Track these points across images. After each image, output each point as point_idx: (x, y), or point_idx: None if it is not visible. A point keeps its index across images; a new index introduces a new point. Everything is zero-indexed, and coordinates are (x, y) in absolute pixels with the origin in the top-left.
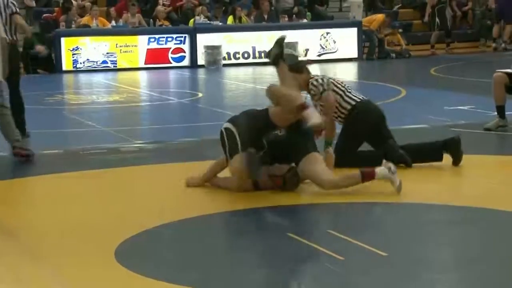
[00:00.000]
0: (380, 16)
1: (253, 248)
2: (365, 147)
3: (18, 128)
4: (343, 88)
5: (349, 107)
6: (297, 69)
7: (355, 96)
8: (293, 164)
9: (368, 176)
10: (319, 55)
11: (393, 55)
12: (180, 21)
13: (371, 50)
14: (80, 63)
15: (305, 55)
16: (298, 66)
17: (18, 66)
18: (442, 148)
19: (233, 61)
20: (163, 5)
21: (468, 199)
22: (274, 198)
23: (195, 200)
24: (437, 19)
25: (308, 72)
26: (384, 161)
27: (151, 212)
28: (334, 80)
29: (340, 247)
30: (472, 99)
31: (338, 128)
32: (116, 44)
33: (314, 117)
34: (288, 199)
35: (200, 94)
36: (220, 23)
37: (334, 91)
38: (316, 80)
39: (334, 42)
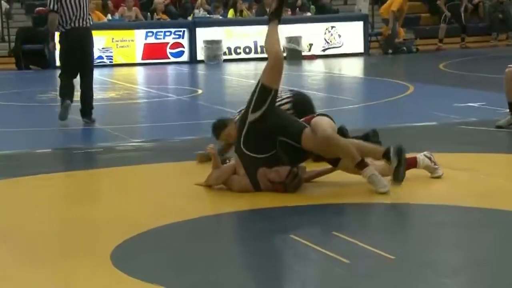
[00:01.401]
0: None
1: (254, 250)
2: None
3: None
4: None
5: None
6: (222, 127)
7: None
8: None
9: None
10: (323, 50)
11: (404, 48)
12: (178, 14)
13: (391, 41)
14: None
15: (309, 50)
16: (222, 125)
17: None
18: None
19: (234, 56)
20: None
21: (478, 199)
22: (276, 198)
23: (195, 201)
24: (446, 13)
25: (230, 123)
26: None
27: (148, 213)
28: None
29: (345, 250)
30: (483, 96)
31: None
32: (112, 39)
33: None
34: (292, 199)
35: (200, 91)
36: (221, 17)
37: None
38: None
39: (339, 36)
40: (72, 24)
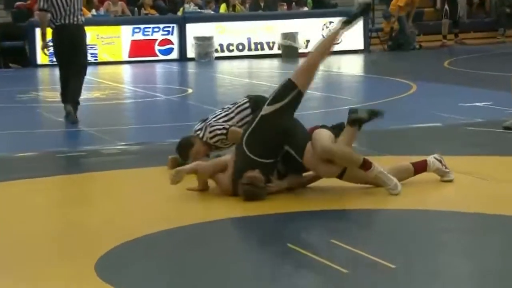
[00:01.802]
0: None
1: (249, 259)
2: None
3: None
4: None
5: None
6: (189, 146)
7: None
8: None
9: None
10: None
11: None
12: (168, 9)
13: (402, 38)
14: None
15: (306, 46)
16: (188, 144)
17: None
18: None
19: (226, 53)
20: None
21: (484, 205)
22: (272, 204)
23: (186, 207)
24: (446, 6)
25: (196, 140)
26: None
27: (136, 220)
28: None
29: (344, 259)
30: (489, 95)
31: None
32: (97, 35)
33: None
34: (288, 205)
35: (190, 90)
36: (212, 12)
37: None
38: (214, 130)
39: None
40: (63, 21)
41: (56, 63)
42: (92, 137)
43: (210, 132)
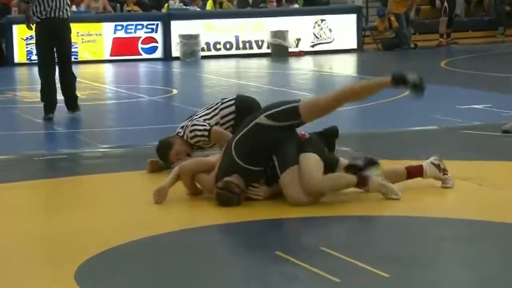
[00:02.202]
0: None
1: (236, 268)
2: None
3: None
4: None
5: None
6: (169, 147)
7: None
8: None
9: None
10: (312, 46)
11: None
12: (151, 6)
13: (401, 37)
14: (35, 54)
15: (296, 45)
16: (168, 145)
17: None
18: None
19: (213, 52)
20: None
21: (482, 212)
22: (260, 211)
23: (170, 213)
24: (445, 4)
25: (176, 140)
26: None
27: (118, 227)
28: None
29: (335, 267)
30: (488, 97)
31: None
32: (77, 33)
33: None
34: (277, 212)
35: (175, 91)
36: (198, 9)
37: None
38: (195, 130)
39: (330, 30)
40: (48, 15)
41: (35, 61)
42: (73, 140)
43: (191, 131)
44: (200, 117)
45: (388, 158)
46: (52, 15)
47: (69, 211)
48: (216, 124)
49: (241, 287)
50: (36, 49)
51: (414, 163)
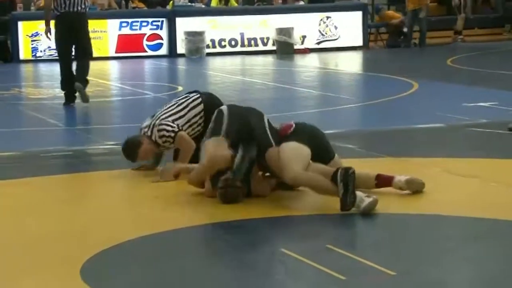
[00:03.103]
0: None
1: (241, 266)
2: None
3: None
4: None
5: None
6: (138, 145)
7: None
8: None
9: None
10: (318, 43)
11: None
12: (157, 3)
13: (410, 35)
14: (41, 51)
15: (302, 43)
16: (136, 144)
17: None
18: None
19: (218, 49)
20: None
21: (489, 210)
22: (265, 208)
23: (175, 210)
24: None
25: (143, 139)
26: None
27: (123, 223)
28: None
29: (341, 265)
30: (494, 94)
31: None
32: None
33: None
34: (281, 209)
35: (180, 88)
36: (204, 6)
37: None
38: (163, 130)
39: (336, 28)
40: (67, 8)
41: (40, 57)
42: (78, 137)
43: (159, 130)
44: (168, 116)
45: (394, 156)
46: (71, 9)
47: (74, 208)
48: (187, 122)
49: (247, 285)
50: (56, 42)
51: (418, 161)
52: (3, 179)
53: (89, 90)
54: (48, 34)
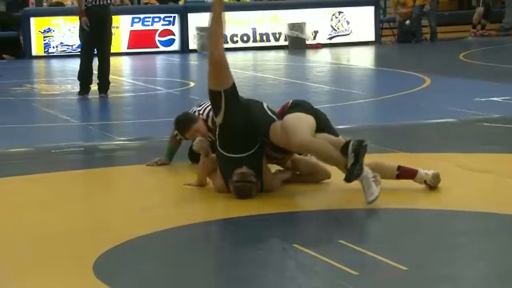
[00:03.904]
0: None
1: (253, 261)
2: None
3: None
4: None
5: None
6: (191, 122)
7: None
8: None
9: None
10: (330, 38)
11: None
12: None
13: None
14: (53, 47)
15: (314, 38)
16: (190, 120)
17: None
18: None
19: (230, 45)
20: None
21: (501, 205)
22: (277, 203)
23: (187, 205)
24: None
25: (199, 118)
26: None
27: (136, 219)
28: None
29: (353, 260)
30: (507, 89)
31: None
32: None
33: None
34: (294, 205)
35: (192, 84)
36: None
37: None
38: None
39: (348, 23)
40: (93, 2)
41: (53, 53)
42: (90, 132)
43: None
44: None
45: (406, 151)
46: (99, 2)
47: (87, 204)
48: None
49: (259, 280)
50: (81, 33)
51: (431, 156)
52: (16, 175)
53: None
54: (84, 23)
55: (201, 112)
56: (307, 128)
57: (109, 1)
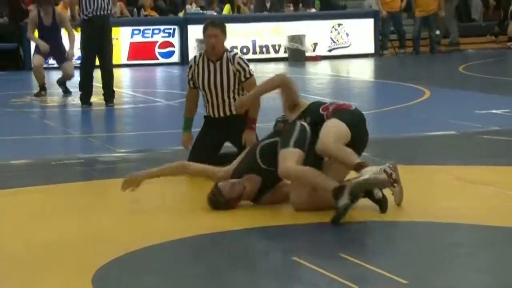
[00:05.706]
0: None
1: (252, 274)
2: None
3: None
4: None
5: None
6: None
7: None
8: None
9: None
10: (329, 50)
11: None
12: (168, 10)
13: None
14: (52, 59)
15: (313, 50)
16: None
17: None
18: None
19: None
20: None
21: (502, 218)
22: (277, 216)
23: (186, 218)
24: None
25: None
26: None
27: (135, 231)
28: None
29: (353, 274)
30: (507, 102)
31: None
32: None
33: None
34: (293, 217)
35: None
36: (215, 13)
37: None
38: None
39: (347, 35)
40: (94, 13)
41: (52, 65)
42: (90, 144)
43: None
44: None
45: (405, 164)
46: (98, 13)
47: (86, 215)
48: None
49: None
50: (81, 44)
51: (429, 168)
52: (16, 187)
53: (101, 97)
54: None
55: None
56: (296, 157)
57: (109, 12)
